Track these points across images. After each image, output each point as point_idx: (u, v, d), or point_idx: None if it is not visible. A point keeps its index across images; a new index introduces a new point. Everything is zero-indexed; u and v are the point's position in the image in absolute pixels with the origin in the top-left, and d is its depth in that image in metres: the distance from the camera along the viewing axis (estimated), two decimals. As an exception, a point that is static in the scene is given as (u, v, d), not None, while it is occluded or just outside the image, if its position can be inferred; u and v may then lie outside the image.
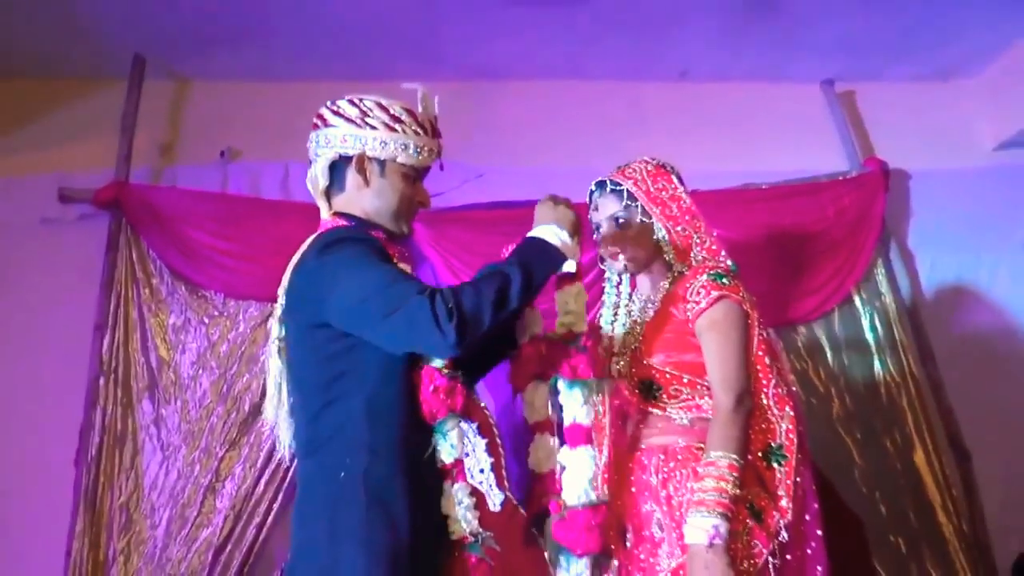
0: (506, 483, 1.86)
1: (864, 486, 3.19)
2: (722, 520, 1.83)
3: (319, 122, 1.95)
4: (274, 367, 1.97)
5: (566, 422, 1.90)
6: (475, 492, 1.82)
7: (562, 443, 1.90)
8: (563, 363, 1.91)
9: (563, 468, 1.89)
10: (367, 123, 1.90)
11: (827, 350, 3.33)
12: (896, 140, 3.62)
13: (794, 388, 2.10)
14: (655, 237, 2.13)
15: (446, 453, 1.81)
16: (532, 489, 2.01)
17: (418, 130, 1.92)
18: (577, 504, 1.86)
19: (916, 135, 3.64)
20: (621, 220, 2.12)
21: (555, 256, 1.85)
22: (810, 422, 3.00)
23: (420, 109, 1.95)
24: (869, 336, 3.36)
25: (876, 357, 3.33)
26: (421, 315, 1.65)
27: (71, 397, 3.02)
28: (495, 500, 1.83)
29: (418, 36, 3.30)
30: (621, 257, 2.13)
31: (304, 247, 1.90)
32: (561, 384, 1.92)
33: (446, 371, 1.82)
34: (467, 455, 1.82)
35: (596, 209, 2.17)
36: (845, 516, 3.07)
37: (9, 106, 3.37)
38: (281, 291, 1.93)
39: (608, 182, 2.15)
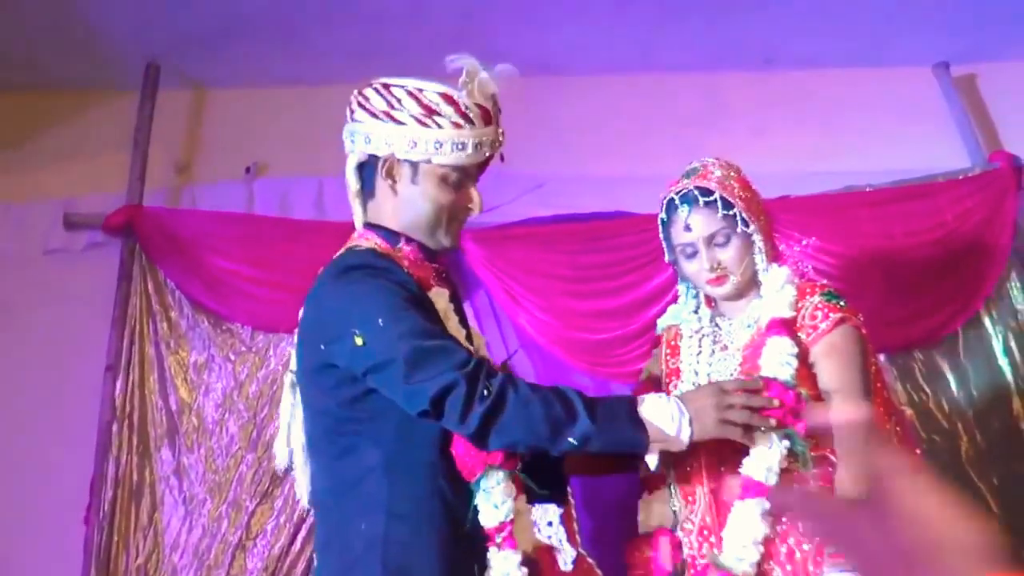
0: (578, 537, 1.82)
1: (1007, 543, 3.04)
2: None
3: (348, 114, 1.83)
4: (286, 402, 1.88)
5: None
6: (528, 561, 1.71)
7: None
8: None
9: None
10: (394, 117, 1.74)
11: (951, 379, 3.20)
12: (1029, 130, 3.41)
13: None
14: (753, 250, 2.06)
15: (487, 515, 1.69)
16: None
17: (460, 121, 1.74)
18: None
19: (1053, 124, 3.40)
20: (725, 237, 2.03)
21: (636, 440, 1.66)
22: (933, 464, 2.92)
23: (463, 93, 1.75)
24: (1003, 361, 3.22)
25: (1012, 386, 3.19)
26: (453, 395, 1.60)
27: (81, 446, 2.97)
28: (566, 558, 1.78)
29: (464, 27, 3.21)
30: (730, 280, 2.03)
31: (322, 271, 1.80)
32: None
33: None
34: (514, 516, 1.72)
35: (688, 229, 2.04)
36: (986, 583, 2.93)
37: (7, 123, 3.35)
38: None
39: (697, 193, 2.02)
